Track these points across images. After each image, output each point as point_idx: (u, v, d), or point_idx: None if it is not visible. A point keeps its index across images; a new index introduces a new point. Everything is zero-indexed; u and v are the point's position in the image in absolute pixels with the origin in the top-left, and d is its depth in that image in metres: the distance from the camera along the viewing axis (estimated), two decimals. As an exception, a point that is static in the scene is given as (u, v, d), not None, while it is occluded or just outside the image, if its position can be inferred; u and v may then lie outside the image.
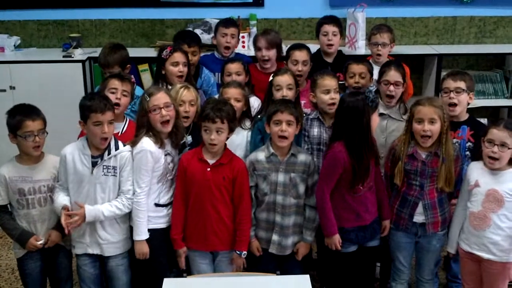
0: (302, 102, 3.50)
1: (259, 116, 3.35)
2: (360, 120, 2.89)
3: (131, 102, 3.38)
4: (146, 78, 4.32)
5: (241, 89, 3.34)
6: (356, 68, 3.50)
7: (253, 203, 3.05)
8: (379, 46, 3.94)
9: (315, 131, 3.26)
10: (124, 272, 3.06)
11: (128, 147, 2.99)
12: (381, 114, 3.38)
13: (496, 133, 2.84)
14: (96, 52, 4.11)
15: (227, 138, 3.00)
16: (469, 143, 3.23)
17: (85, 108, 2.90)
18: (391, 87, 3.32)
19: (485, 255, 2.92)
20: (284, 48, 4.00)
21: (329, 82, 3.23)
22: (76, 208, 2.90)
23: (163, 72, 3.60)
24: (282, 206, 3.03)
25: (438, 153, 2.97)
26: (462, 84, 3.21)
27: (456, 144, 3.16)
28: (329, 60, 4.09)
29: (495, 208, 2.88)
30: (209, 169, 2.96)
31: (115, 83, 3.23)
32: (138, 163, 2.94)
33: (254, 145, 3.26)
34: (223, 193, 2.97)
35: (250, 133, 3.33)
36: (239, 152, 3.23)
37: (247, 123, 3.37)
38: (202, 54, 4.02)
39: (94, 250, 3.00)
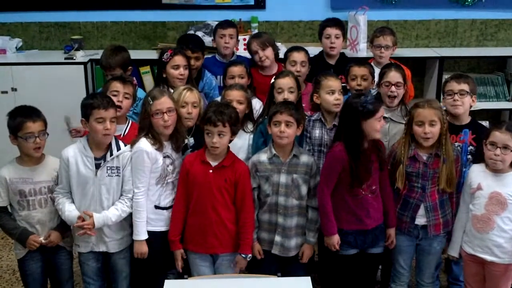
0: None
1: (261, 119, 3.35)
2: (358, 121, 2.88)
3: (133, 104, 3.38)
4: (148, 80, 4.32)
5: (243, 91, 3.34)
6: (358, 70, 3.50)
7: (255, 205, 3.04)
8: (382, 48, 3.95)
9: (317, 132, 3.26)
10: (127, 264, 3.08)
11: (129, 147, 3.00)
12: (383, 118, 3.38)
13: (499, 136, 2.84)
14: (98, 54, 4.12)
15: (230, 141, 3.00)
16: (471, 147, 3.23)
17: (87, 106, 2.90)
18: (393, 88, 3.32)
19: (489, 258, 2.91)
20: (283, 50, 4.00)
21: (334, 83, 3.24)
22: (84, 216, 2.92)
23: (164, 75, 3.60)
24: (284, 207, 3.02)
25: (438, 154, 2.97)
26: (465, 87, 3.21)
27: (458, 147, 3.16)
28: (332, 62, 4.09)
29: (499, 210, 2.87)
30: (211, 171, 2.95)
31: (117, 85, 3.24)
32: (134, 163, 2.95)
33: (256, 148, 3.25)
34: (224, 196, 2.97)
35: (252, 136, 3.33)
36: (241, 155, 3.22)
37: (249, 126, 3.36)
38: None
39: (100, 248, 3.02)
